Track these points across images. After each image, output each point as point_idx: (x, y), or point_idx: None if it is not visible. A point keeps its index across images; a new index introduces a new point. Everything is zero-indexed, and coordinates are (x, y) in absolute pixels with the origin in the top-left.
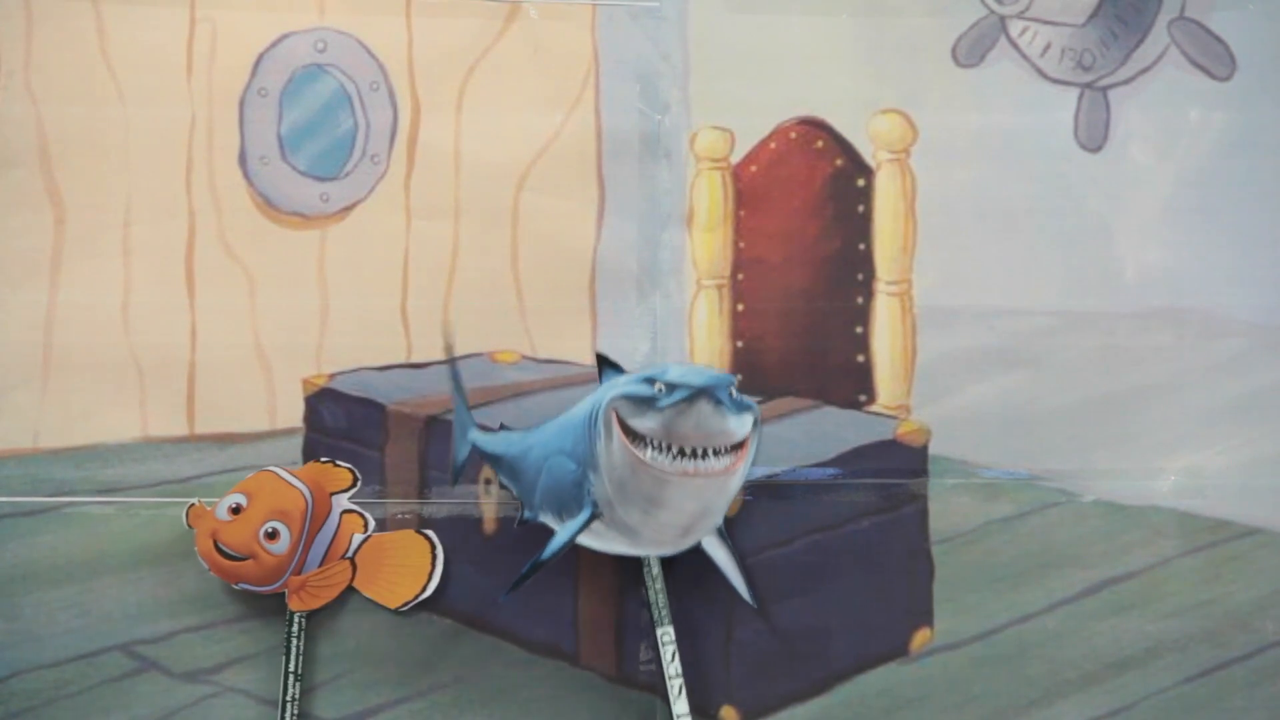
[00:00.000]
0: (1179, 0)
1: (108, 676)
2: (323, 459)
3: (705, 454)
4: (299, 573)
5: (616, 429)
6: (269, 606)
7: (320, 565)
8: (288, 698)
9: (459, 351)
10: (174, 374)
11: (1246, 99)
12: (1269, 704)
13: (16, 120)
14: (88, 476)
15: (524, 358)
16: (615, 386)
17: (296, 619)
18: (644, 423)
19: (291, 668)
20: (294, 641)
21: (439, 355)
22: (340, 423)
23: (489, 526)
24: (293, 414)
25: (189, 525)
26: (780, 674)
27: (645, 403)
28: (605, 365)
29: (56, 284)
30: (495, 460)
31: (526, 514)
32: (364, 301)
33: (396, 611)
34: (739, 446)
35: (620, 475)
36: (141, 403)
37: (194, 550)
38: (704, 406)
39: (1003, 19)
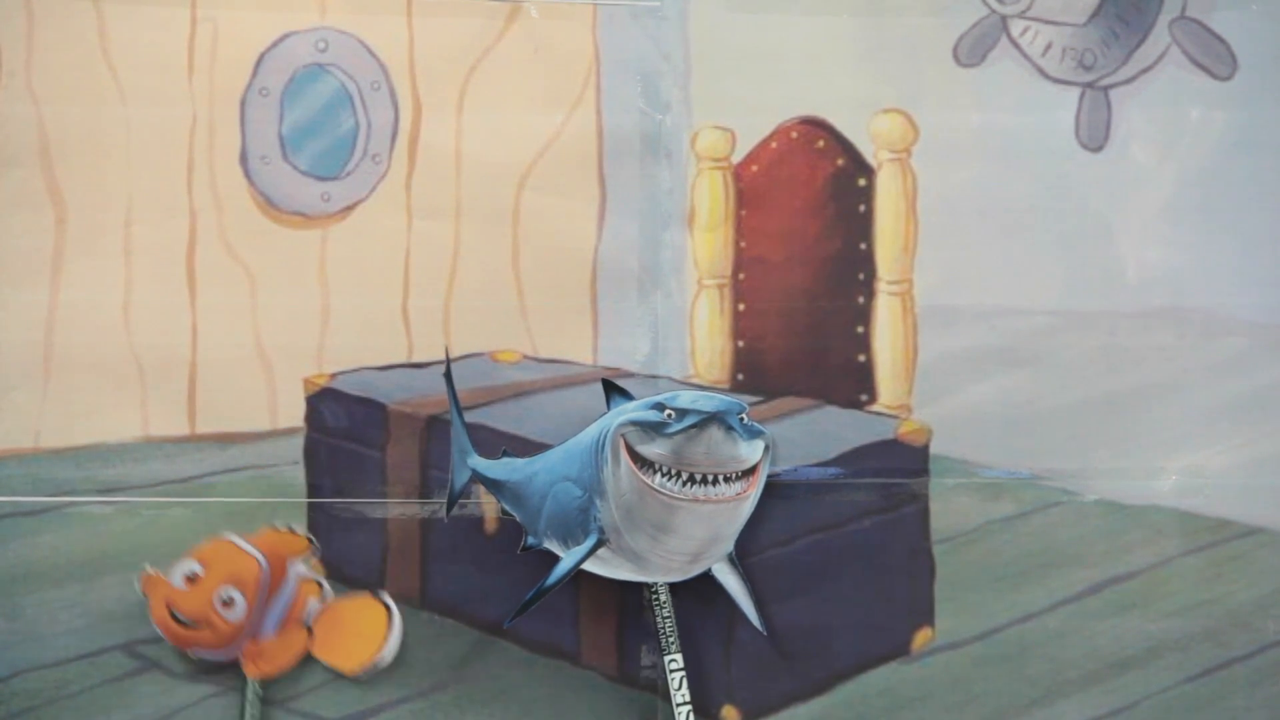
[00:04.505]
0: (1180, 0)
1: (109, 676)
2: (278, 525)
3: (715, 480)
4: (255, 639)
5: (624, 455)
6: None
7: (276, 632)
8: None
9: (460, 351)
10: (175, 373)
11: (1248, 98)
12: (1270, 703)
13: (17, 120)
14: (89, 476)
15: (525, 357)
16: (623, 413)
17: (252, 685)
18: (653, 449)
19: None
20: (249, 710)
21: (439, 355)
22: (341, 422)
23: (489, 526)
24: (294, 414)
25: (143, 594)
26: (781, 674)
27: (654, 428)
28: (612, 391)
29: (57, 284)
30: (497, 487)
31: (530, 540)
32: (365, 301)
33: (354, 679)
34: (750, 473)
35: (628, 502)
36: (142, 402)
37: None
38: (715, 432)
39: (1004, 18)
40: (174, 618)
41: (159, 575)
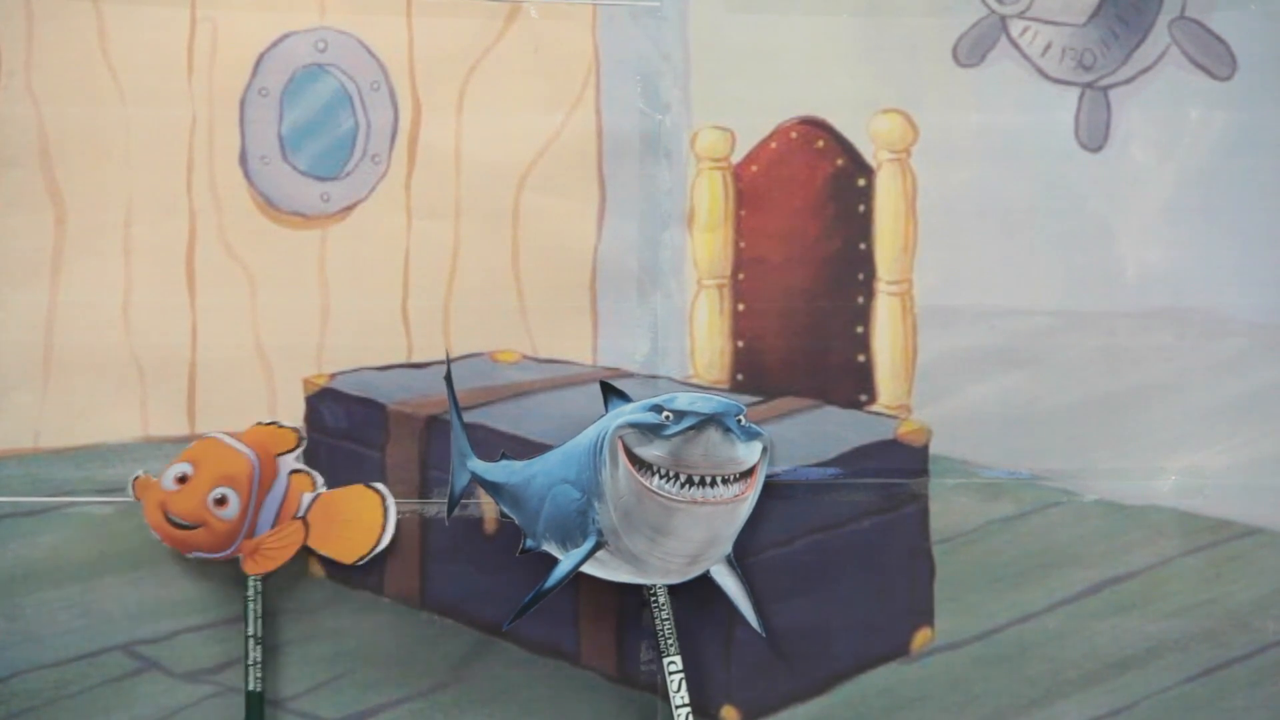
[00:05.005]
0: (1179, 0)
1: (108, 676)
2: (265, 420)
3: (714, 482)
4: (251, 536)
5: (622, 457)
6: (270, 606)
7: (272, 527)
8: (249, 661)
9: (459, 351)
10: (175, 374)
11: (1247, 99)
12: (1270, 704)
13: (17, 120)
14: (88, 476)
15: (524, 357)
16: (621, 415)
17: (252, 583)
18: (651, 451)
19: (250, 631)
20: (251, 605)
21: (439, 355)
22: (341, 423)
23: (489, 527)
24: (293, 414)
25: (135, 497)
26: (780, 674)
27: (652, 430)
28: (610, 393)
29: (57, 284)
30: (496, 489)
31: (529, 543)
32: (364, 301)
33: (354, 565)
34: (748, 474)
35: (626, 504)
36: (142, 402)
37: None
38: (713, 434)
39: (1003, 19)
40: (169, 520)
41: (150, 478)
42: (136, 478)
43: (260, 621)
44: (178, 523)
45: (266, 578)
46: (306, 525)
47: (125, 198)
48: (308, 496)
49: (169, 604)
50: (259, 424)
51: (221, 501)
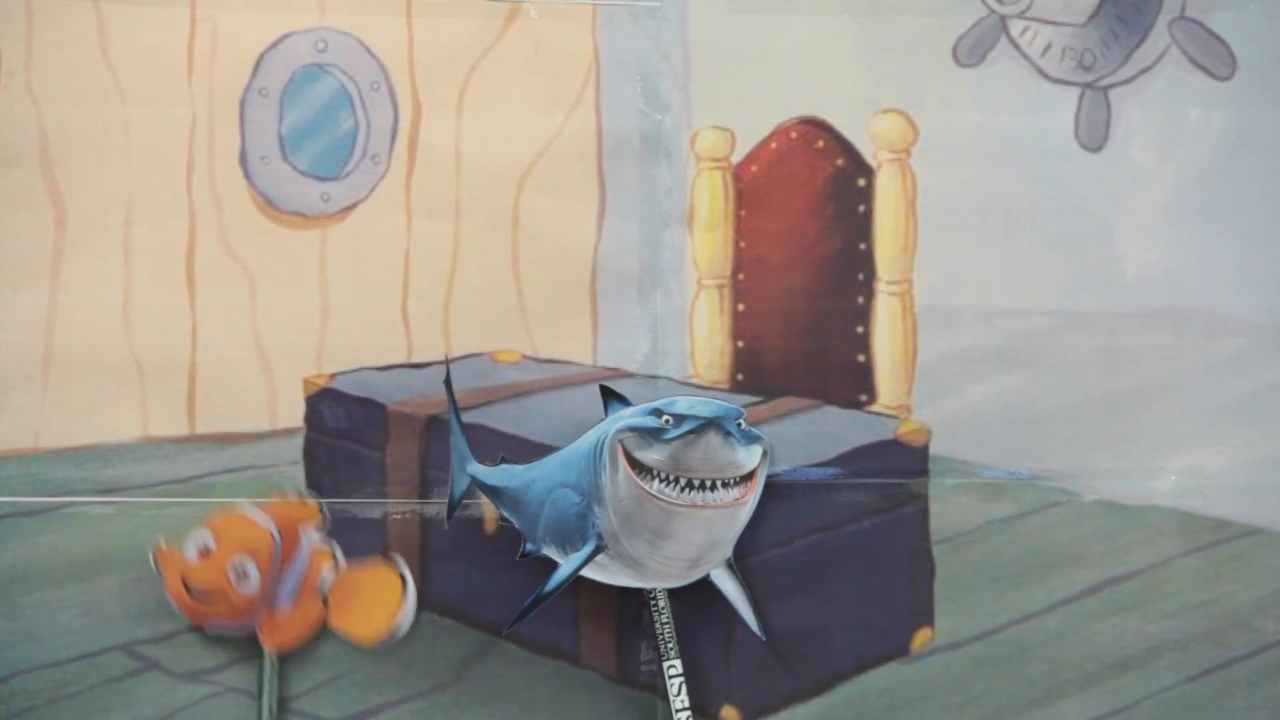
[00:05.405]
0: (1180, 0)
1: (109, 676)
2: (287, 493)
3: (714, 486)
4: (271, 611)
5: (622, 461)
6: None
7: (292, 601)
8: None
9: (460, 351)
10: (175, 374)
11: (1247, 99)
12: (1270, 704)
13: (17, 120)
14: (89, 476)
15: (524, 357)
16: (620, 419)
17: (269, 658)
18: (651, 455)
19: (267, 707)
20: (267, 681)
21: (439, 355)
22: (341, 423)
23: (489, 527)
24: (293, 414)
25: (156, 568)
26: (780, 674)
27: (652, 434)
28: (610, 397)
29: (57, 284)
30: (495, 493)
31: (529, 547)
32: (365, 301)
33: (371, 646)
34: (748, 478)
35: (626, 508)
36: (142, 402)
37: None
38: (713, 438)
39: (1003, 19)
40: (189, 591)
41: (172, 549)
42: (159, 547)
43: (276, 697)
44: (198, 593)
45: (284, 656)
46: (326, 603)
47: (125, 198)
48: (328, 573)
49: (169, 604)
50: (282, 497)
51: (242, 574)
